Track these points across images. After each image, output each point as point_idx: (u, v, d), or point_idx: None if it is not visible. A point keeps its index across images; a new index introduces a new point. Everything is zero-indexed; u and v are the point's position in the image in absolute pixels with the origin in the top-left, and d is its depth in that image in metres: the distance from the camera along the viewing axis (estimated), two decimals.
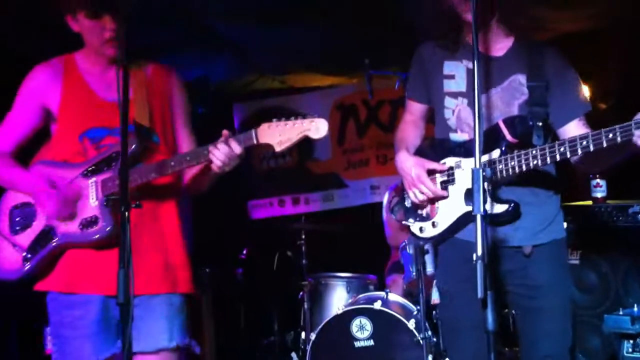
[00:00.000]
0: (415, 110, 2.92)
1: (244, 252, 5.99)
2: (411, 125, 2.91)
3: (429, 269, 4.30)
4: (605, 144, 2.25)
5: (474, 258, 2.07)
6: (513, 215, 2.57)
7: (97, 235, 2.56)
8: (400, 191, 2.93)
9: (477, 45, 2.22)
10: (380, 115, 6.87)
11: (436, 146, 2.79)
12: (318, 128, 2.51)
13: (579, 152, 2.32)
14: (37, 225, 2.66)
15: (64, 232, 2.60)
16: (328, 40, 5.44)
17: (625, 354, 2.79)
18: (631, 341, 2.80)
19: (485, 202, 2.12)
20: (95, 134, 2.66)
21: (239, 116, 7.20)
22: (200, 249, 6.19)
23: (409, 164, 2.73)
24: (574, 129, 2.58)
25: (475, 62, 2.19)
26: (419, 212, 2.78)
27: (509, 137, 2.53)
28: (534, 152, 2.42)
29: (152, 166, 2.60)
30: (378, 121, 6.90)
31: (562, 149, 2.35)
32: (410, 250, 4.50)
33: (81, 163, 2.65)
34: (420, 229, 2.77)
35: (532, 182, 2.62)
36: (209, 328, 4.61)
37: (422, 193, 2.69)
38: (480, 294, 2.04)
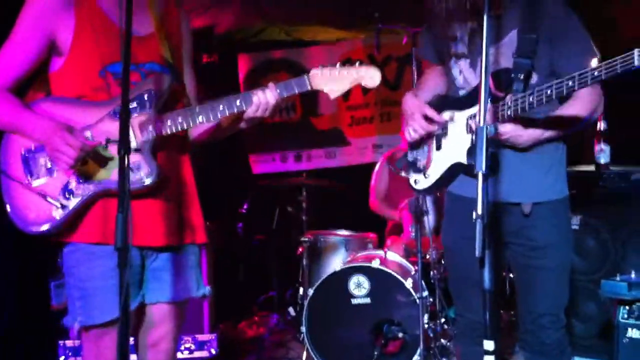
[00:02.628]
0: (433, 68, 2.98)
1: (245, 206, 5.98)
2: (432, 77, 2.97)
3: (427, 230, 4.31)
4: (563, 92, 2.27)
5: (474, 216, 2.06)
6: (492, 168, 2.56)
7: (146, 182, 2.36)
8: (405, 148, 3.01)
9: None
10: (387, 72, 6.80)
11: (440, 101, 2.83)
12: (372, 77, 2.44)
13: (543, 100, 2.32)
14: (63, 171, 2.36)
15: (101, 180, 2.36)
16: None
17: (620, 320, 2.79)
18: (627, 307, 2.79)
19: (488, 161, 2.10)
20: (119, 68, 2.24)
21: (243, 67, 7.13)
22: (201, 202, 6.21)
23: (409, 104, 2.84)
24: None
25: (485, 23, 2.14)
26: (417, 165, 2.88)
27: (494, 90, 2.54)
28: (509, 102, 2.44)
29: (197, 110, 2.42)
30: (384, 78, 6.78)
31: (530, 99, 2.36)
32: (410, 210, 4.51)
33: (106, 102, 2.38)
34: (415, 181, 2.88)
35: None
36: (207, 281, 4.62)
37: (414, 130, 2.80)
38: (478, 253, 2.03)
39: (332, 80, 2.47)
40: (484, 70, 2.09)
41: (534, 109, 2.39)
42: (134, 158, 2.36)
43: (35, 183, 2.36)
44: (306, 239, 4.79)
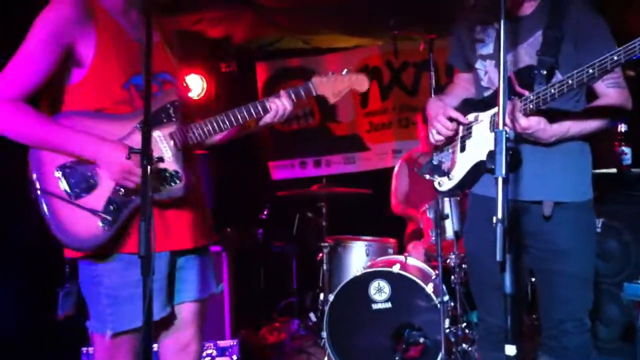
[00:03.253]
0: (460, 76, 3.03)
1: (265, 212, 6.01)
2: (459, 86, 3.02)
3: (449, 234, 4.31)
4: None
5: (494, 221, 2.07)
6: (514, 163, 2.60)
7: (184, 190, 2.44)
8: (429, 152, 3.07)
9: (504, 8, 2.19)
10: (404, 78, 6.82)
11: (464, 105, 2.87)
12: (361, 83, 2.72)
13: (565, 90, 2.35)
14: (106, 185, 2.35)
15: None
16: (354, 0, 5.37)
17: None
18: None
19: (507, 164, 2.11)
20: (141, 80, 2.37)
21: (262, 75, 7.17)
22: (222, 208, 6.24)
23: (433, 107, 2.89)
24: (604, 87, 2.57)
25: (502, 25, 2.17)
26: (442, 168, 2.91)
27: (517, 87, 2.57)
28: (531, 97, 2.47)
29: (220, 118, 2.56)
30: (402, 84, 6.84)
31: (552, 90, 2.38)
32: (430, 214, 4.51)
33: (131, 114, 2.40)
34: (439, 184, 2.91)
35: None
36: (228, 287, 4.65)
37: (438, 132, 2.84)
38: (499, 257, 2.04)
39: (331, 86, 2.70)
40: (502, 73, 2.11)
41: (556, 100, 2.40)
42: (170, 167, 2.43)
43: (79, 198, 2.34)
44: (326, 244, 4.81)
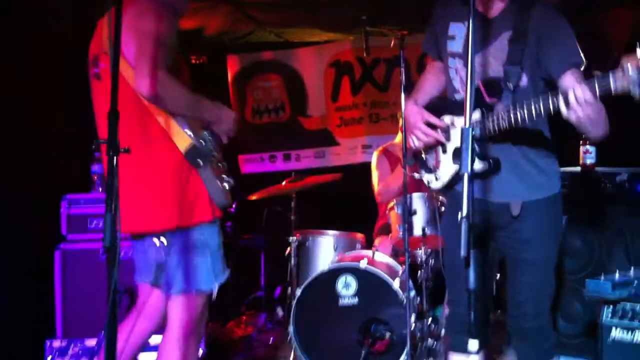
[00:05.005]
0: (433, 64, 3.06)
1: (234, 205, 5.98)
2: (431, 76, 3.06)
3: (416, 230, 4.34)
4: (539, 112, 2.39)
5: (459, 217, 2.09)
6: (495, 170, 2.70)
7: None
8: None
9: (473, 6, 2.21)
10: (376, 74, 6.83)
11: (441, 104, 2.94)
12: None
13: (533, 115, 2.42)
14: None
15: None
16: None
17: (604, 319, 2.82)
18: (611, 307, 2.83)
19: (473, 161, 2.14)
20: None
21: (232, 68, 7.13)
22: None
23: (410, 112, 2.95)
24: (567, 82, 2.57)
25: (471, 23, 2.20)
26: (428, 165, 2.97)
27: (486, 98, 2.63)
28: (502, 114, 2.52)
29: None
30: (373, 80, 6.85)
31: (520, 113, 2.45)
32: (398, 210, 4.53)
33: None
34: (428, 182, 2.99)
35: (521, 140, 2.69)
36: None
37: (418, 138, 2.91)
38: (463, 253, 2.06)
39: None
40: (470, 76, 2.13)
41: (526, 122, 2.46)
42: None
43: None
44: (294, 239, 4.80)
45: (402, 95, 3.87)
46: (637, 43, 2.12)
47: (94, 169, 4.57)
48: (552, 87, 2.64)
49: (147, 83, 2.64)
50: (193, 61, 6.78)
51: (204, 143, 2.87)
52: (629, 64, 2.12)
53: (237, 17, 5.88)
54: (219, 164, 2.98)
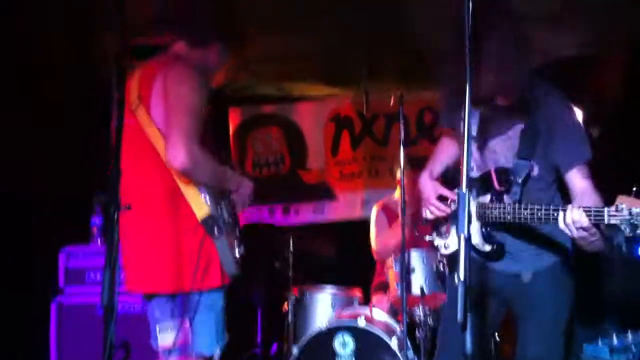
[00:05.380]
0: (449, 132, 3.16)
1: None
2: (446, 145, 3.18)
3: (415, 288, 4.30)
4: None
5: (456, 280, 2.08)
6: (497, 255, 2.79)
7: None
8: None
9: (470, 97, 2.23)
10: (375, 128, 6.87)
11: (456, 176, 3.02)
12: None
13: (535, 221, 2.52)
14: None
15: None
16: (327, 50, 5.45)
17: None
18: None
19: (470, 223, 2.14)
20: None
21: (234, 120, 7.19)
22: None
23: (425, 185, 3.06)
24: (573, 178, 2.68)
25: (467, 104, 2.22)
26: (440, 229, 3.05)
27: (496, 185, 2.74)
28: (508, 208, 2.62)
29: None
30: (372, 134, 6.90)
31: (524, 214, 2.54)
32: (396, 267, 4.50)
33: None
34: (438, 247, 3.07)
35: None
36: None
37: (432, 212, 3.02)
38: (460, 317, 2.04)
39: None
40: (466, 138, 2.15)
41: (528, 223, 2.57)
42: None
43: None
44: (292, 295, 4.76)
45: (401, 150, 3.90)
46: (633, 189, 2.25)
47: (94, 221, 4.57)
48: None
49: (180, 157, 2.68)
50: None
51: (221, 212, 2.89)
52: (623, 205, 2.25)
53: (237, 70, 5.95)
54: (233, 233, 2.98)
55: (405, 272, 4.13)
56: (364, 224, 5.58)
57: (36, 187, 4.43)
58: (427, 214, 3.06)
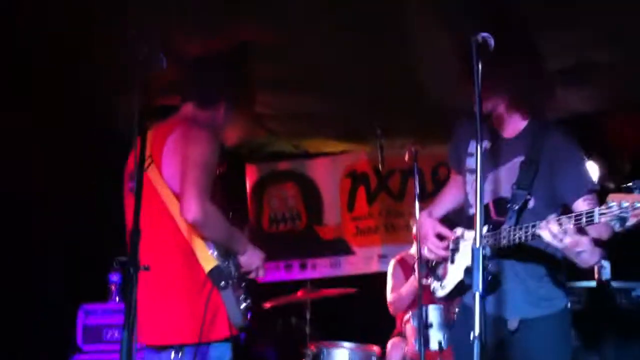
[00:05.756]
0: (455, 178, 3.17)
1: (248, 315, 5.94)
2: (451, 189, 3.19)
3: (432, 343, 4.27)
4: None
5: (471, 337, 2.09)
6: (491, 286, 2.70)
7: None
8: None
9: (481, 133, 2.30)
10: (391, 184, 6.92)
11: (456, 216, 3.05)
12: None
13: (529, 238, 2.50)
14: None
15: None
16: (342, 107, 5.53)
17: None
18: None
19: (485, 281, 2.15)
20: None
21: (251, 177, 7.27)
22: None
23: (423, 224, 3.06)
24: (580, 206, 2.63)
25: (478, 147, 2.31)
26: (437, 273, 3.04)
27: (493, 215, 2.74)
28: (503, 234, 2.61)
29: None
30: (388, 189, 6.94)
31: (518, 234, 2.55)
32: (414, 322, 4.48)
33: None
34: (434, 289, 3.04)
35: (527, 255, 2.71)
36: None
37: (429, 250, 3.00)
38: None
39: None
40: (479, 195, 2.18)
41: (527, 242, 2.53)
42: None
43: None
44: (309, 351, 4.73)
45: (417, 205, 3.94)
46: (625, 187, 2.23)
47: (112, 279, 4.61)
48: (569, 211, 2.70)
49: (194, 210, 2.77)
50: None
51: (227, 265, 2.95)
52: (613, 202, 2.24)
53: (254, 128, 6.05)
54: (240, 285, 3.05)
55: (423, 327, 4.12)
56: (381, 277, 5.57)
57: (54, 245, 4.48)
58: (426, 252, 3.06)
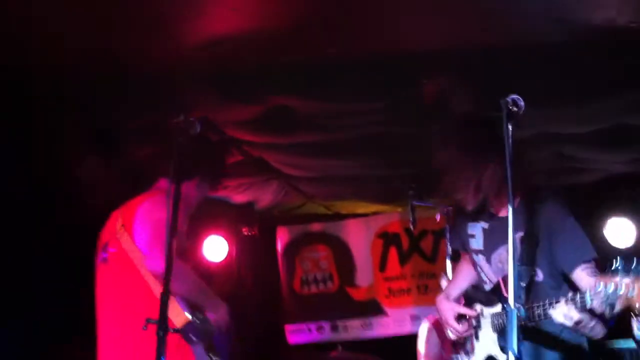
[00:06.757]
0: (465, 256, 3.27)
1: None
2: (464, 267, 3.28)
3: None
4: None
5: None
6: None
7: None
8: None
9: (513, 189, 2.35)
10: (423, 245, 6.90)
11: (474, 292, 3.13)
12: None
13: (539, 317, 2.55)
14: None
15: None
16: (375, 170, 5.57)
17: None
18: None
19: (519, 340, 2.15)
20: None
21: (282, 239, 7.31)
22: None
23: (442, 308, 3.17)
24: (580, 275, 2.68)
25: (510, 208, 2.35)
26: (466, 348, 3.09)
27: (505, 293, 2.78)
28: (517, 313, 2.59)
29: None
30: (420, 251, 6.91)
31: (538, 311, 2.57)
32: None
33: None
34: None
35: (547, 339, 2.73)
36: None
37: (452, 332, 3.11)
38: None
39: None
40: (511, 260, 2.19)
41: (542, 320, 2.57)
42: None
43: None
44: None
45: (448, 264, 3.95)
46: (611, 264, 2.23)
47: None
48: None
49: (158, 261, 2.86)
50: (245, 233, 6.96)
51: (198, 322, 3.01)
52: (601, 284, 2.24)
53: (288, 191, 6.11)
54: (210, 341, 3.09)
55: None
56: (414, 339, 5.51)
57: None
58: (449, 334, 3.15)
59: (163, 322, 2.37)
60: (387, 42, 3.43)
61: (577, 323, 2.39)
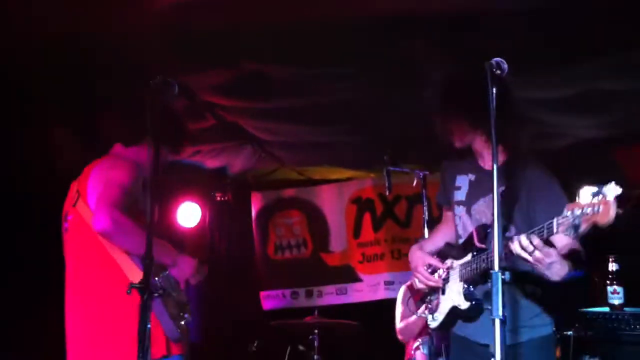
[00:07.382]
0: (447, 214, 3.28)
1: (255, 344, 5.91)
2: (443, 226, 3.30)
3: None
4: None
5: None
6: (476, 311, 2.83)
7: None
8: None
9: (496, 151, 2.40)
10: (397, 210, 6.91)
11: (448, 249, 3.14)
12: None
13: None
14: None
15: None
16: (349, 136, 5.53)
17: None
18: None
19: (504, 305, 2.14)
20: None
21: (256, 204, 7.27)
22: (212, 340, 6.12)
23: (412, 257, 3.18)
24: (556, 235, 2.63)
25: (495, 165, 2.38)
26: (431, 305, 3.14)
27: (476, 242, 2.86)
28: (483, 257, 2.75)
29: None
30: (394, 216, 6.92)
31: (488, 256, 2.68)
32: (424, 350, 4.45)
33: None
34: (428, 321, 3.15)
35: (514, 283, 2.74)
36: None
37: (419, 281, 3.12)
38: None
39: None
40: (496, 224, 2.18)
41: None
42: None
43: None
44: None
45: (425, 231, 3.95)
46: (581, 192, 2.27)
47: None
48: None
49: (102, 219, 2.88)
50: (218, 198, 6.91)
51: (157, 279, 2.99)
52: (569, 212, 2.30)
53: (261, 156, 6.06)
54: (175, 298, 3.09)
55: (433, 355, 4.09)
56: (388, 304, 5.54)
57: None
58: (417, 283, 3.15)
59: (147, 286, 2.33)
60: (364, 4, 3.37)
61: (532, 253, 2.41)
